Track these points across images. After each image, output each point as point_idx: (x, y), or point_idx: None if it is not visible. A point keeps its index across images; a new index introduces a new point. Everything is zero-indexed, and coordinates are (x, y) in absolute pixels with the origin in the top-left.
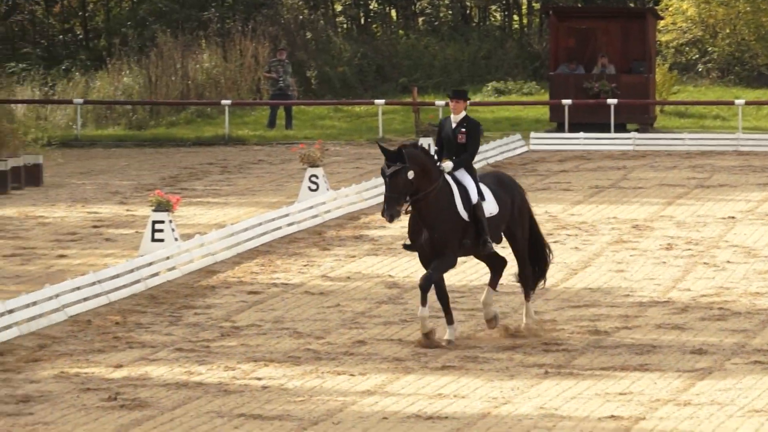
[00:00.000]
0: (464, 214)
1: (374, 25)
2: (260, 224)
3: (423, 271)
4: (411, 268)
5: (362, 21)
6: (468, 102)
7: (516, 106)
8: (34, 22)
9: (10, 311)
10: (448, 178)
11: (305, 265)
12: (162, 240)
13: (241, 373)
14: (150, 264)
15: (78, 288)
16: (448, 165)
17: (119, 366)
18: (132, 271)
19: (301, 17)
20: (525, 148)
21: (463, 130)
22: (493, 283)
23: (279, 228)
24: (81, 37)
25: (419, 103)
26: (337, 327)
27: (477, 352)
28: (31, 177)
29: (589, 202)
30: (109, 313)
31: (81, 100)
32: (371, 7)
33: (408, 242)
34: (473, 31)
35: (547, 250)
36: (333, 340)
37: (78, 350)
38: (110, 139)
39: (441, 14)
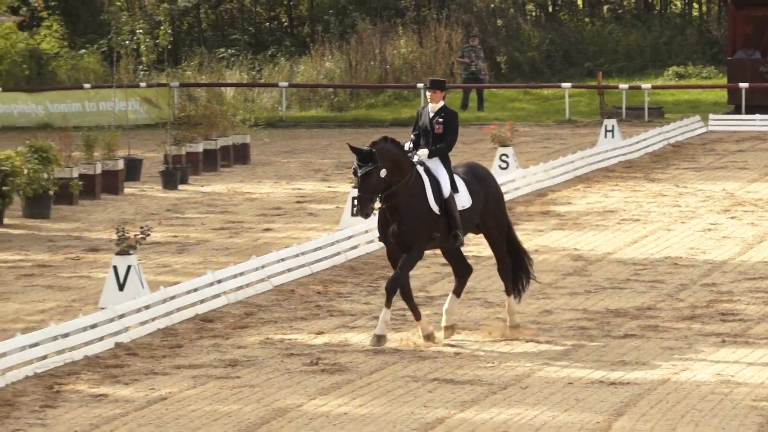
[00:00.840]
0: (435, 207)
1: (561, 13)
2: None
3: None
4: (596, 241)
5: (550, 9)
6: (445, 92)
7: (695, 89)
8: (242, 10)
9: (219, 281)
10: (420, 170)
11: None
12: (358, 216)
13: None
14: (350, 237)
15: (282, 259)
16: (423, 152)
17: (320, 333)
18: (333, 243)
19: (492, 5)
20: (704, 129)
21: (441, 120)
22: (458, 290)
23: None
24: (286, 24)
25: (604, 87)
26: (525, 297)
27: (657, 322)
28: (239, 155)
29: (764, 180)
30: (311, 283)
31: (286, 84)
32: None
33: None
34: (655, 18)
35: (518, 244)
36: (521, 310)
37: (282, 318)
38: (313, 120)
39: (624, 2)
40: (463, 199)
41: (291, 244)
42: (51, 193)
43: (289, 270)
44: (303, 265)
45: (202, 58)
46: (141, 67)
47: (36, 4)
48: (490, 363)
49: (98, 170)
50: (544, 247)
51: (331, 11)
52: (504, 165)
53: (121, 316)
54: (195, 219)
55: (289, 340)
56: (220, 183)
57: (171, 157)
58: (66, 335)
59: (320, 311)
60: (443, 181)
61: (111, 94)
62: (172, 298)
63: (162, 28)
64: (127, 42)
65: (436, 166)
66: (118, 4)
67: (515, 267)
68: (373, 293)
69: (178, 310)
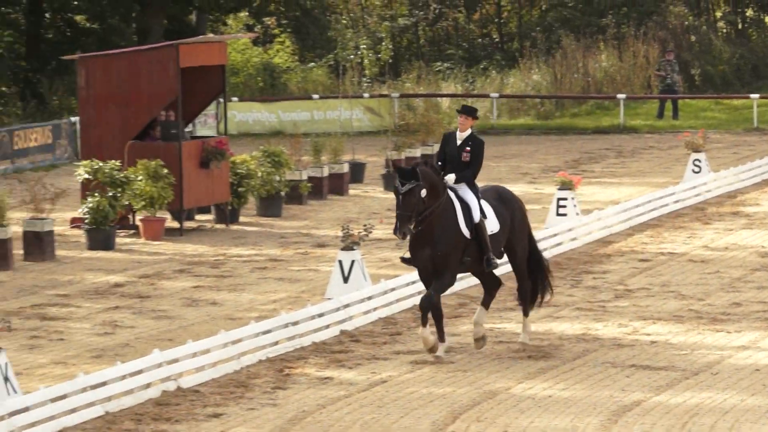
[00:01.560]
0: (466, 232)
1: (750, 30)
2: (650, 201)
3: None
4: None
5: (740, 26)
6: (476, 120)
7: None
8: (457, 27)
9: None
10: (452, 195)
11: (689, 237)
12: (565, 214)
13: (632, 330)
14: (554, 235)
15: None
16: (451, 177)
17: None
18: (539, 241)
19: (686, 23)
20: None
21: (468, 148)
22: (486, 302)
23: (666, 205)
24: (497, 40)
25: None
26: (716, 290)
27: None
28: None
29: None
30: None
31: (496, 95)
32: (747, 14)
33: (407, 255)
34: None
35: (545, 263)
36: (712, 302)
37: (492, 308)
38: (521, 128)
39: None
40: (492, 224)
41: None
42: (282, 193)
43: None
44: None
45: (420, 71)
46: (364, 79)
47: (269, 23)
48: (684, 351)
49: (325, 173)
50: (734, 245)
51: (538, 28)
52: (697, 169)
53: (346, 306)
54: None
55: (499, 329)
56: None
57: (391, 161)
58: (296, 323)
59: None
60: (473, 207)
61: (337, 104)
62: (392, 290)
63: (384, 43)
64: (351, 56)
65: (465, 192)
66: (344, 22)
67: (537, 280)
68: (575, 286)
69: (398, 300)
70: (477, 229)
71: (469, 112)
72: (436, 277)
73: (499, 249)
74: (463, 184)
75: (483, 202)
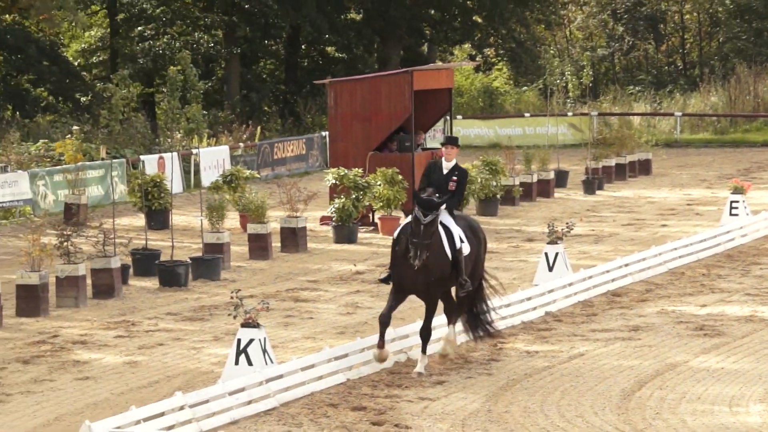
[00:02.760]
0: (450, 256)
1: None
2: None
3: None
4: None
5: None
6: (458, 148)
7: None
8: (647, 57)
9: (626, 264)
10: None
11: None
12: (737, 215)
13: None
14: (728, 232)
15: (675, 248)
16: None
17: (703, 305)
18: (714, 236)
19: None
20: None
21: (455, 177)
22: (451, 321)
23: None
24: (681, 67)
25: None
26: None
27: None
28: (642, 168)
29: None
30: (697, 267)
31: (680, 113)
32: None
33: (385, 275)
34: None
35: (485, 294)
36: None
37: (674, 294)
38: (700, 142)
39: None
40: (465, 249)
41: (682, 237)
42: (498, 196)
43: (681, 257)
44: (691, 253)
45: (615, 93)
46: (568, 100)
47: (488, 53)
48: None
49: (534, 179)
50: None
51: (716, 57)
52: None
53: (550, 291)
54: (608, 217)
55: (680, 311)
56: (627, 189)
57: (591, 169)
58: (508, 305)
59: (704, 288)
60: (455, 233)
61: (545, 121)
62: (590, 277)
63: (585, 70)
64: (558, 81)
65: (446, 218)
66: (552, 52)
67: (479, 312)
68: (745, 275)
69: (594, 287)
70: (456, 253)
71: (455, 142)
72: (432, 301)
73: (468, 273)
74: (445, 211)
75: (459, 228)
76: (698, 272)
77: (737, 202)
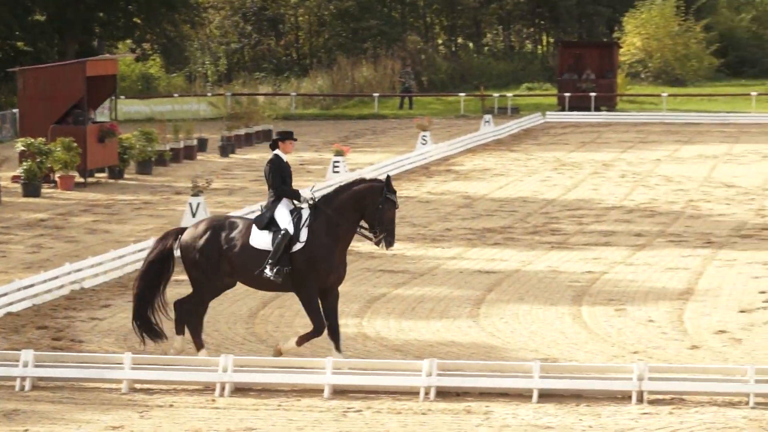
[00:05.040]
0: None
1: (459, 51)
2: (394, 162)
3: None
4: (477, 187)
5: (453, 48)
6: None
7: (538, 97)
8: (269, 49)
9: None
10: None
11: (418, 186)
12: (338, 172)
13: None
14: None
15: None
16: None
17: None
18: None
19: (418, 46)
20: (542, 120)
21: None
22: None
23: (403, 165)
24: (296, 57)
25: (484, 95)
26: (435, 220)
27: (514, 235)
28: (265, 137)
29: (578, 150)
30: None
31: (294, 93)
32: (459, 41)
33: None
34: (516, 54)
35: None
36: (432, 228)
37: None
38: (311, 116)
39: (497, 45)
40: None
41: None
42: (152, 159)
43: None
44: None
45: (245, 78)
46: (208, 84)
47: (146, 47)
48: (413, 260)
49: (182, 145)
50: (447, 191)
51: (323, 50)
52: (424, 142)
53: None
54: (239, 175)
55: None
56: (254, 153)
57: (225, 137)
58: (122, 257)
59: None
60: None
61: (190, 100)
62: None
63: (221, 60)
64: (200, 69)
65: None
66: (196, 46)
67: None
68: None
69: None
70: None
71: (292, 135)
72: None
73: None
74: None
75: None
76: None
77: (339, 162)
